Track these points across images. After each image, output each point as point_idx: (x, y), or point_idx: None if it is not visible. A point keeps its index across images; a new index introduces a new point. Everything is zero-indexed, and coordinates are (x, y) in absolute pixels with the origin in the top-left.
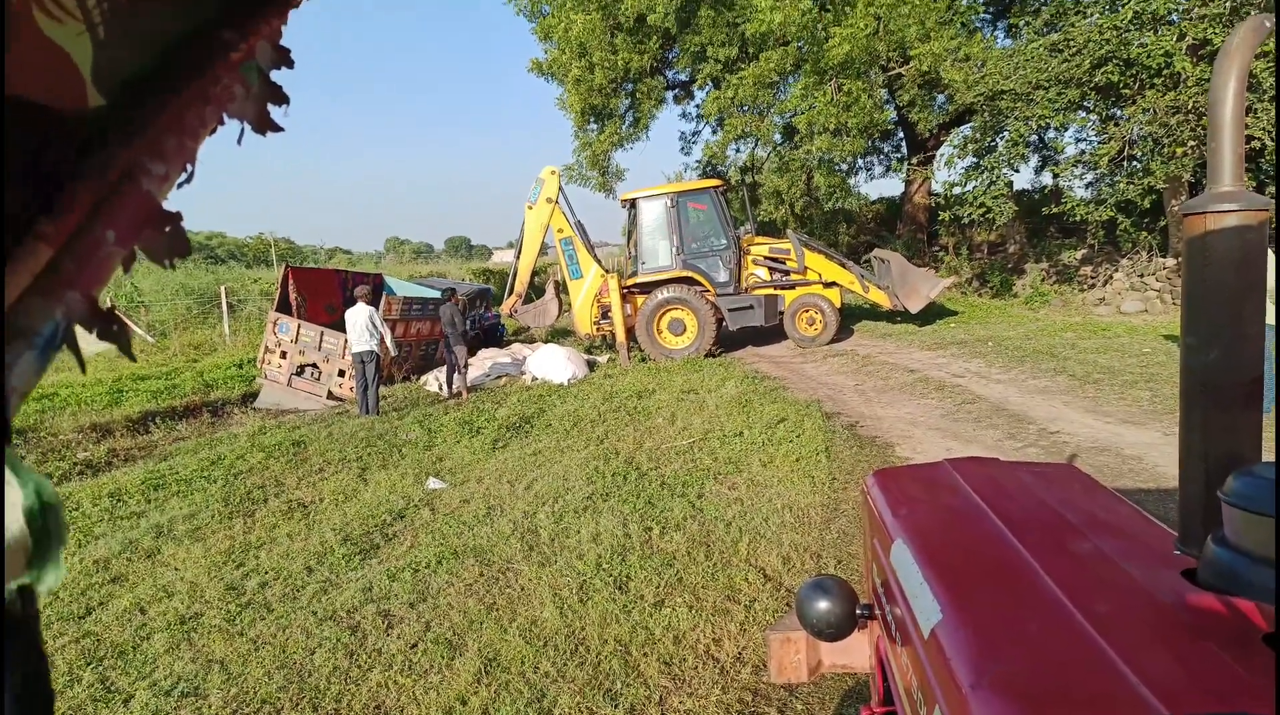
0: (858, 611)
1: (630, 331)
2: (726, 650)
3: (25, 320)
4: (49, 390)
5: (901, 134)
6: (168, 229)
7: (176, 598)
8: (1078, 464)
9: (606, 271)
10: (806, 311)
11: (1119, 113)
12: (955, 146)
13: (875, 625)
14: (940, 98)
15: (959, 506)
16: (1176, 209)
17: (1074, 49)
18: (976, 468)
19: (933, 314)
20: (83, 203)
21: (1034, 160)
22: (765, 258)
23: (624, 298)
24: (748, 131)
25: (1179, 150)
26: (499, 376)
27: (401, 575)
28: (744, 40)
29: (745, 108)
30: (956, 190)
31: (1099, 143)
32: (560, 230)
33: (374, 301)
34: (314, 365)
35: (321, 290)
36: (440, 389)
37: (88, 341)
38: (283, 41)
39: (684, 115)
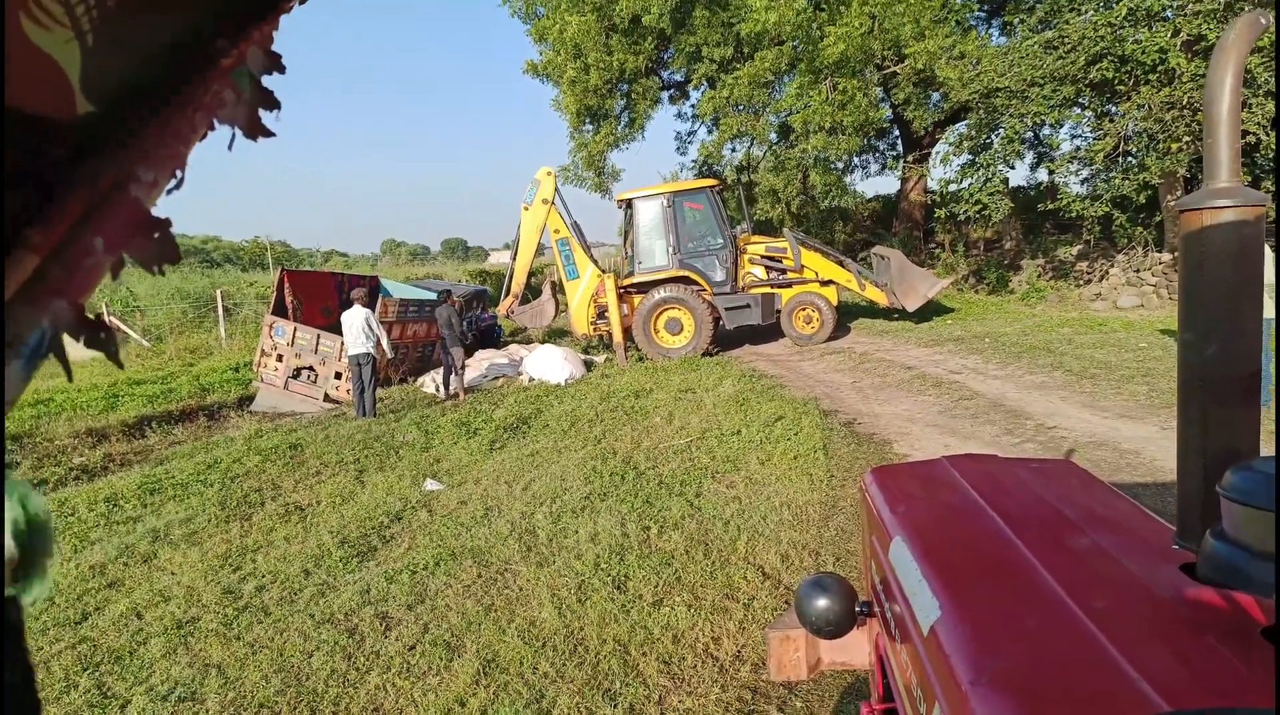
0: (857, 609)
1: (627, 331)
2: (725, 649)
3: (11, 329)
4: (44, 395)
5: (897, 132)
6: (156, 235)
7: (173, 602)
8: (1075, 459)
9: (603, 272)
10: (803, 310)
11: (1114, 109)
12: (951, 144)
13: (874, 622)
14: (935, 95)
15: (957, 503)
16: (1172, 204)
17: (1068, 46)
18: (974, 464)
19: (929, 311)
20: (72, 211)
21: (1029, 157)
22: (762, 257)
23: (621, 298)
24: (743, 131)
25: (1174, 146)
26: (496, 377)
27: (399, 577)
28: (739, 40)
29: (740, 107)
30: (952, 187)
31: (1094, 139)
32: (556, 231)
33: (370, 304)
34: (310, 368)
35: (317, 293)
36: (437, 390)
37: (78, 347)
38: (275, 46)
39: (679, 115)
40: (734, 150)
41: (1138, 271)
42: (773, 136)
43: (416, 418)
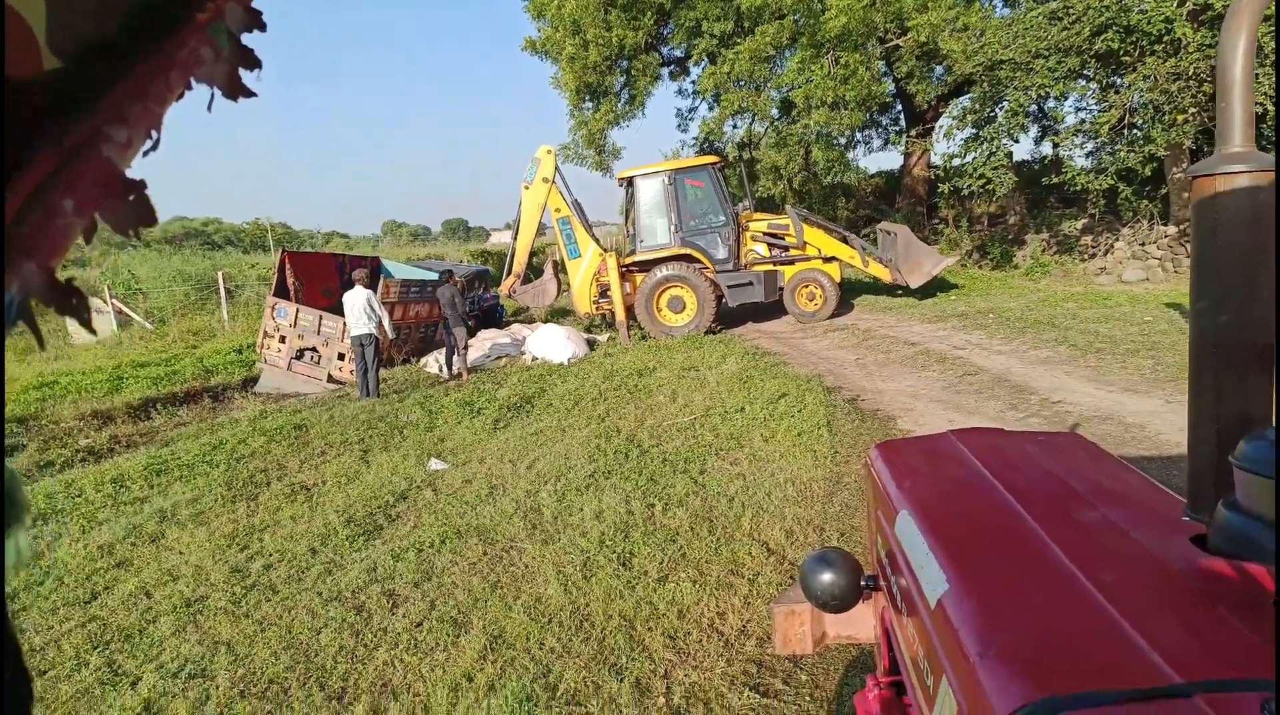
0: (862, 583)
1: (630, 310)
2: (730, 623)
3: None
4: (49, 378)
5: (900, 106)
6: (131, 198)
7: (181, 581)
8: (1080, 433)
9: (605, 250)
10: (806, 287)
11: (1119, 81)
12: (954, 118)
13: (880, 596)
14: (939, 69)
15: (964, 477)
16: (1178, 175)
17: (1073, 16)
18: (981, 438)
19: (933, 287)
20: (37, 170)
21: (1033, 130)
22: (764, 234)
23: (623, 276)
24: (744, 107)
25: (1180, 117)
26: (499, 357)
27: (405, 555)
28: (739, 14)
29: (742, 83)
30: (956, 162)
31: (1099, 111)
32: (558, 210)
33: (371, 284)
34: (313, 349)
35: (319, 274)
36: (440, 370)
37: (83, 332)
38: (255, 3)
39: (680, 92)
40: (735, 127)
41: (1143, 245)
42: (774, 112)
43: (420, 398)
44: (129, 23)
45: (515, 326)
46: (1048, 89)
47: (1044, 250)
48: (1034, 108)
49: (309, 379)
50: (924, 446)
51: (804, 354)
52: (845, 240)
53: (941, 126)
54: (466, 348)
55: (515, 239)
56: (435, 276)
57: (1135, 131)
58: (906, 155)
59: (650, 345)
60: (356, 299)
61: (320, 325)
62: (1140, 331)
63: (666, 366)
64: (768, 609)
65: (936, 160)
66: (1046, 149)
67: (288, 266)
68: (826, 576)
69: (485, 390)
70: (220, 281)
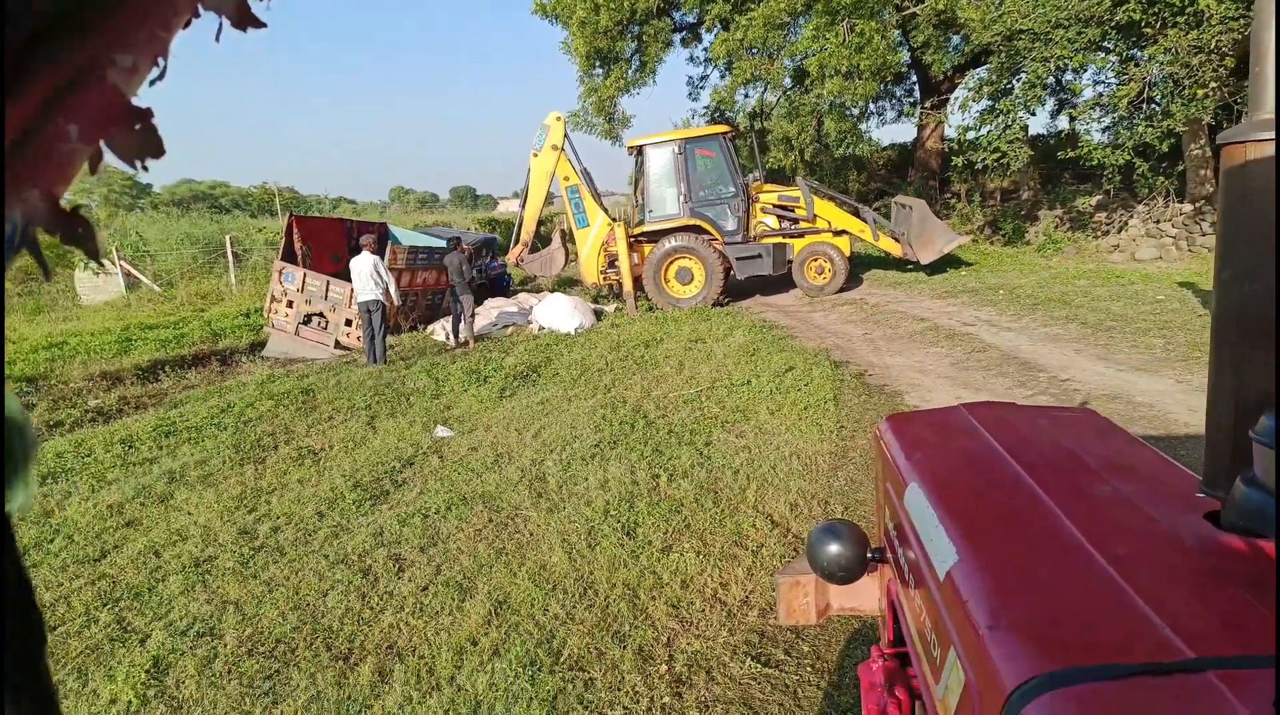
0: (869, 555)
1: (637, 280)
2: (734, 594)
3: None
4: (58, 339)
5: (915, 77)
6: (138, 126)
7: (190, 541)
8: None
9: (613, 220)
10: (815, 260)
11: (1139, 53)
12: (970, 89)
13: (886, 569)
14: (955, 38)
15: (975, 450)
16: (1195, 151)
17: None
18: (992, 411)
19: (944, 263)
20: (36, 91)
21: (1050, 104)
22: (774, 206)
23: (631, 246)
24: (757, 75)
25: (1200, 92)
26: (506, 326)
27: (411, 520)
28: None
29: (754, 50)
30: (971, 135)
31: (1118, 84)
32: (566, 178)
33: (379, 251)
34: (320, 314)
35: (326, 239)
36: (447, 338)
37: (90, 291)
38: None
39: (691, 59)
40: (747, 96)
41: (1157, 223)
42: (787, 81)
43: (427, 365)
44: None
45: (522, 295)
46: (1067, 60)
47: (1057, 226)
48: (1051, 80)
49: (316, 344)
50: (934, 419)
51: (812, 328)
52: (857, 212)
53: (957, 98)
54: (473, 316)
55: (523, 207)
56: (443, 243)
57: (1154, 106)
58: (920, 127)
59: (657, 316)
60: (363, 265)
61: (328, 291)
62: (1152, 310)
63: (673, 338)
64: (772, 580)
65: (951, 133)
66: (1062, 123)
67: (295, 231)
68: (833, 548)
69: (492, 358)
70: (228, 245)
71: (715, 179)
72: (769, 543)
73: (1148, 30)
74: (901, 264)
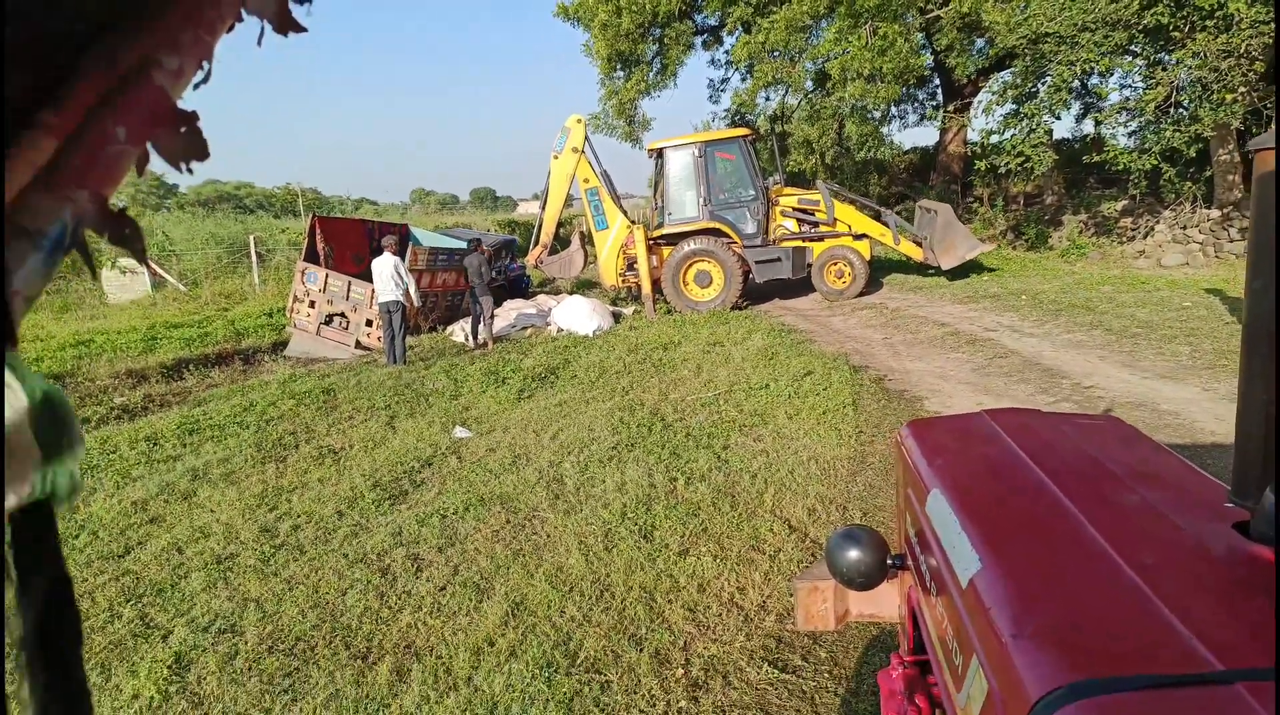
0: (889, 561)
1: (656, 283)
2: (751, 599)
3: (30, 219)
4: (85, 337)
5: (938, 80)
6: (184, 129)
7: (212, 538)
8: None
9: (633, 222)
10: (835, 264)
11: (1167, 57)
12: (994, 93)
13: (906, 576)
14: (980, 42)
15: (998, 457)
16: (1224, 156)
17: None
18: (1016, 418)
19: (966, 267)
20: (88, 93)
21: (1075, 108)
22: (794, 209)
23: (650, 249)
24: (778, 78)
25: (1229, 96)
26: (524, 327)
27: (430, 521)
28: None
29: (776, 53)
30: (994, 139)
31: (1145, 88)
32: (586, 180)
33: (400, 252)
34: (342, 314)
35: (348, 240)
36: (466, 339)
37: (117, 290)
38: None
39: (713, 62)
40: (768, 99)
41: (1184, 229)
42: (808, 84)
43: (446, 366)
44: None
45: (541, 297)
46: (1093, 64)
47: (1081, 232)
48: (1077, 83)
49: (337, 344)
50: (957, 425)
51: (830, 332)
52: (878, 216)
53: (981, 102)
54: (492, 317)
55: (543, 209)
56: (463, 245)
57: (1181, 110)
58: (943, 131)
59: (675, 319)
60: (384, 266)
61: (349, 291)
62: (1178, 317)
63: (691, 341)
64: (790, 585)
65: (974, 137)
66: (1088, 127)
67: (318, 232)
68: (853, 554)
69: (510, 360)
70: (252, 245)
71: (735, 182)
72: (787, 547)
73: (1176, 34)
74: (922, 268)
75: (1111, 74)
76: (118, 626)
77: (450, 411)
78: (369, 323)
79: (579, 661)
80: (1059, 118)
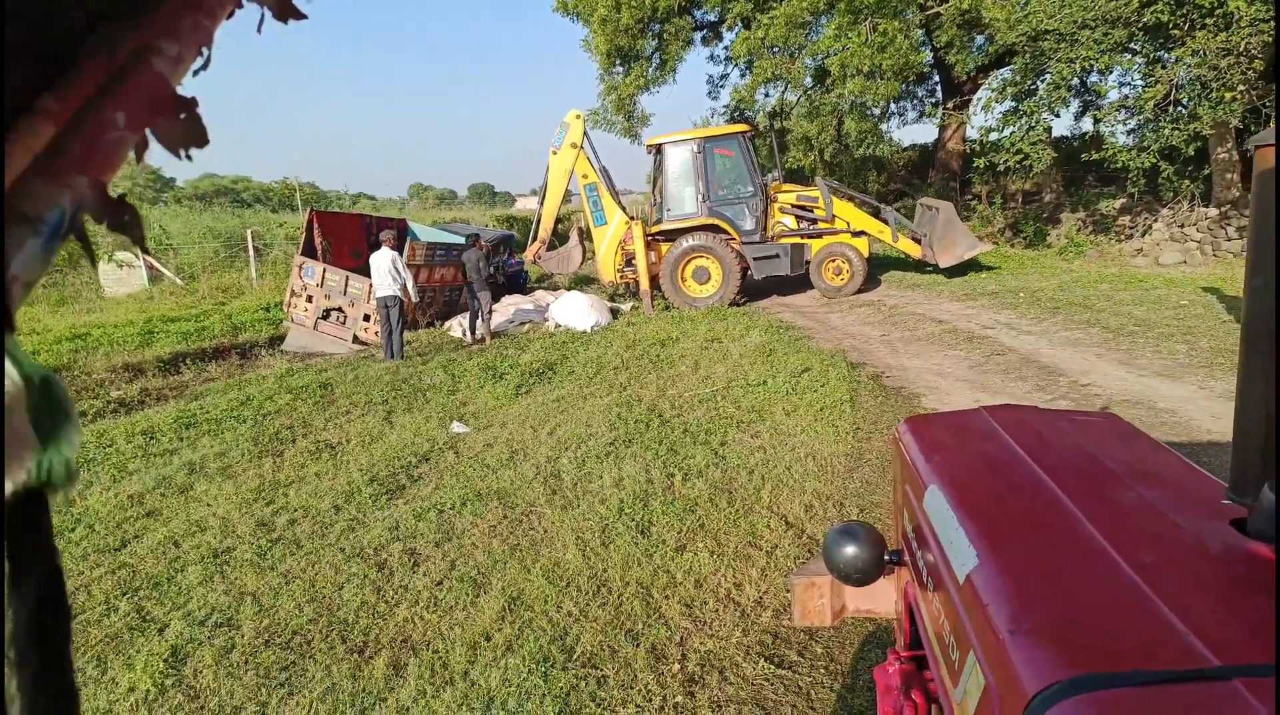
0: (886, 557)
1: (654, 279)
2: (747, 594)
3: (29, 204)
4: (81, 330)
5: (937, 77)
6: (183, 116)
7: (209, 532)
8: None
9: (631, 218)
10: (833, 261)
11: (1166, 55)
12: (994, 90)
13: (904, 571)
14: (980, 38)
15: (996, 453)
16: (1222, 155)
17: None
18: (1014, 415)
19: (964, 265)
20: (88, 79)
21: (1074, 105)
22: (792, 206)
23: (648, 245)
24: (778, 74)
25: (1228, 94)
26: (522, 323)
27: (427, 515)
28: None
29: (776, 49)
30: (993, 136)
31: (1144, 86)
32: (585, 176)
33: (398, 246)
34: (339, 309)
35: (346, 235)
36: (464, 334)
37: (114, 283)
38: None
39: (712, 58)
40: (767, 95)
41: (1182, 227)
42: (808, 81)
43: (443, 361)
44: None
45: (539, 293)
46: (1092, 61)
47: (1079, 229)
48: (1076, 81)
49: (335, 339)
50: (954, 422)
51: (829, 329)
52: (877, 213)
53: (980, 99)
54: (490, 313)
55: (541, 205)
56: (461, 240)
57: (1180, 108)
58: (942, 128)
59: (673, 315)
60: (382, 260)
61: (347, 286)
62: (1176, 315)
63: (689, 337)
64: (786, 581)
65: (973, 134)
66: (1086, 125)
67: (316, 226)
68: (850, 549)
69: (508, 355)
70: (249, 239)
71: (734, 178)
72: (783, 544)
73: (1175, 32)
74: (920, 266)
75: (1111, 72)
76: (114, 620)
77: (448, 407)
78: (366, 317)
79: (575, 656)
80: (1058, 115)
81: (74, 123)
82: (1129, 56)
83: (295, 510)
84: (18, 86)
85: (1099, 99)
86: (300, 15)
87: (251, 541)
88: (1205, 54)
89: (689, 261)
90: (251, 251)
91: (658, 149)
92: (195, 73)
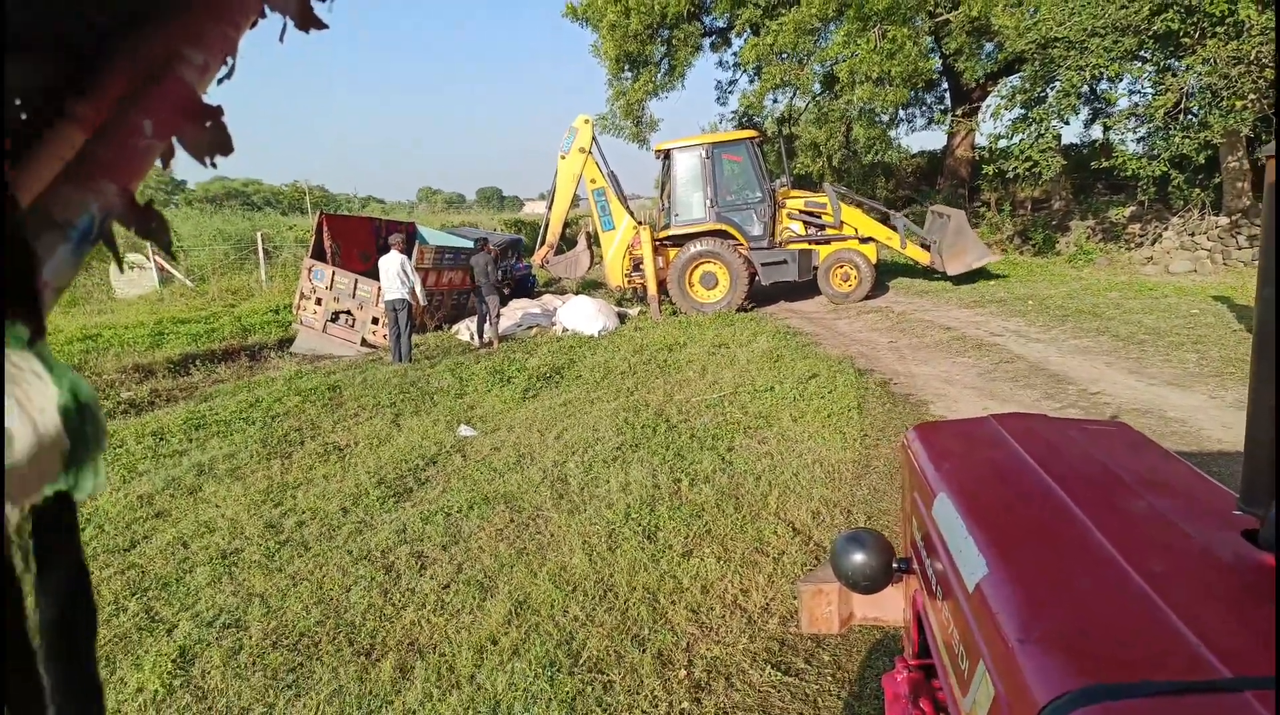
0: (894, 565)
1: (662, 284)
2: (754, 601)
3: (59, 210)
4: (92, 331)
5: (946, 84)
6: (209, 123)
7: (218, 533)
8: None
9: (639, 223)
10: (841, 267)
11: (1176, 63)
12: (1003, 97)
13: (912, 579)
14: (989, 46)
15: (1005, 461)
16: (1233, 163)
17: None
18: (1023, 423)
19: (973, 272)
20: (116, 85)
21: (1084, 113)
22: (800, 211)
23: (656, 250)
24: (786, 80)
25: (1239, 103)
26: (530, 327)
27: (434, 518)
28: None
29: (784, 55)
30: (1002, 143)
31: (1154, 94)
32: (593, 181)
33: (407, 250)
34: (348, 312)
35: (355, 238)
36: (471, 338)
37: (125, 285)
38: None
39: (721, 64)
40: (776, 101)
41: (1192, 235)
42: (816, 87)
43: (451, 364)
44: None
45: (547, 297)
46: (1102, 69)
47: (1088, 237)
48: (1086, 89)
49: (343, 342)
50: (963, 430)
51: (836, 335)
52: (885, 219)
53: (989, 106)
54: (498, 316)
55: (550, 209)
56: (469, 244)
57: (1191, 116)
58: (950, 135)
59: (681, 321)
60: (391, 264)
61: (355, 289)
62: (1186, 324)
63: (697, 343)
64: (794, 587)
65: (981, 141)
66: (1096, 132)
67: (325, 229)
68: (858, 557)
69: (515, 359)
70: (259, 242)
71: (742, 184)
72: (790, 550)
73: (1186, 40)
74: (928, 272)
75: (1121, 79)
76: (123, 620)
77: (455, 410)
78: (375, 320)
79: (582, 661)
80: (1067, 123)
81: (103, 130)
82: (1139, 64)
83: (303, 512)
84: (48, 85)
85: (1109, 107)
86: (322, 25)
87: (260, 543)
88: (1216, 62)
89: (697, 267)
90: (261, 254)
91: (666, 154)
92: (219, 81)
